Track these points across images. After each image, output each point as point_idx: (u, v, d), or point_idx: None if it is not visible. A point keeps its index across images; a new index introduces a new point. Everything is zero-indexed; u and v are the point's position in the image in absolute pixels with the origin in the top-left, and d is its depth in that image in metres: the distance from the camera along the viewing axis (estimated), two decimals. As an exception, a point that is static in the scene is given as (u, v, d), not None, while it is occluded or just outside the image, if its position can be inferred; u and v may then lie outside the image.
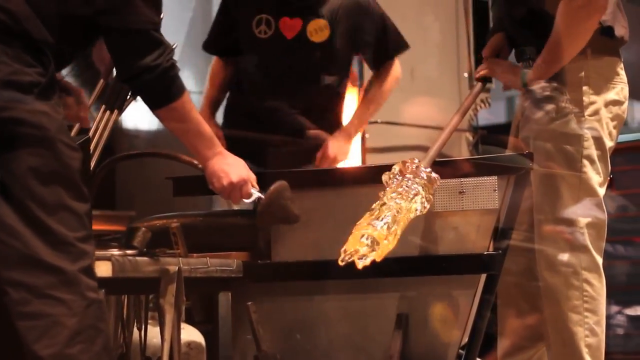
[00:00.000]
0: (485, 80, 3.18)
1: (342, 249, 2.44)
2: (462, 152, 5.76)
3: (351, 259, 2.43)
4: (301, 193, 2.85)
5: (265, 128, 3.60)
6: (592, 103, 2.97)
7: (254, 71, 3.66)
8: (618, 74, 3.03)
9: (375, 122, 4.88)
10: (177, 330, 2.51)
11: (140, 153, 3.42)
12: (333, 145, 3.59)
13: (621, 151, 3.21)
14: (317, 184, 2.89)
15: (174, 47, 3.24)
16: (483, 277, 2.76)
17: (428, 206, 2.61)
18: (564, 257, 2.92)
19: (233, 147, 3.06)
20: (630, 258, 4.77)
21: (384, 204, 2.53)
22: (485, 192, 2.73)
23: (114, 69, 2.44)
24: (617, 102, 3.01)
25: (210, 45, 3.81)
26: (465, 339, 2.76)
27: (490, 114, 6.40)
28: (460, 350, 2.75)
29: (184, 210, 3.06)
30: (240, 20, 3.64)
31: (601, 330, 2.94)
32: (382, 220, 2.47)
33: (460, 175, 2.75)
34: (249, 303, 2.79)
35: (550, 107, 2.96)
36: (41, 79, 2.12)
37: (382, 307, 2.79)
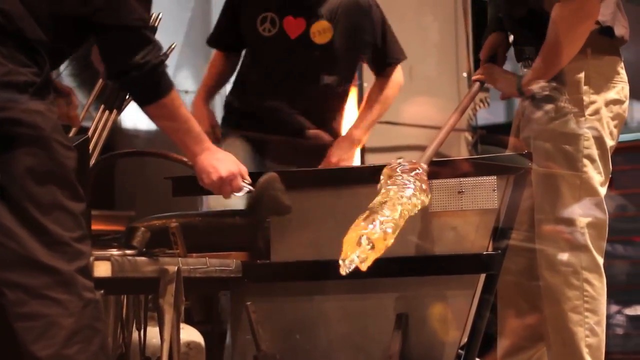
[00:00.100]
0: (482, 81, 3.18)
1: (340, 259, 2.43)
2: (461, 151, 5.76)
3: (352, 265, 2.42)
4: (301, 193, 2.86)
5: (264, 126, 3.60)
6: (592, 102, 2.97)
7: (256, 69, 3.67)
8: (618, 73, 3.03)
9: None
10: (176, 331, 2.51)
11: (128, 152, 3.40)
12: (337, 150, 3.59)
13: (620, 151, 3.20)
14: (316, 184, 2.89)
15: (172, 46, 3.24)
16: (482, 277, 2.76)
17: (418, 203, 2.60)
18: (564, 257, 2.92)
19: (232, 144, 3.07)
20: (629, 258, 4.78)
21: (380, 204, 2.53)
22: (485, 192, 2.73)
23: (114, 73, 2.43)
24: (617, 101, 3.01)
25: (215, 41, 3.82)
26: (465, 339, 2.76)
27: (490, 114, 6.40)
28: (460, 350, 2.74)
29: (183, 210, 3.06)
30: (245, 17, 3.65)
31: (601, 330, 2.94)
32: (377, 221, 2.47)
33: (460, 175, 2.74)
34: (248, 303, 2.79)
35: (550, 107, 2.96)
36: (36, 79, 2.12)
37: (381, 307, 2.79)
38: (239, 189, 2.66)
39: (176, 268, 2.49)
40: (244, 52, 3.79)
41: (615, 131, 3.02)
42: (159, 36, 3.09)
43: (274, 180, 2.74)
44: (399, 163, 2.65)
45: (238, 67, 3.80)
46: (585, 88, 2.97)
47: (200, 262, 2.65)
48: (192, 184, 2.78)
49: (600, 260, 2.96)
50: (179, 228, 2.66)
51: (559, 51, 2.90)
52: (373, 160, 5.05)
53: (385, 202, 2.52)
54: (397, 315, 2.75)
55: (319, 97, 3.63)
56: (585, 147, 2.95)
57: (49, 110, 2.13)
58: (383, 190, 2.59)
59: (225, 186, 2.63)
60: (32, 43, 2.14)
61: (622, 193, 4.60)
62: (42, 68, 2.15)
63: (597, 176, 2.95)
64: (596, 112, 2.97)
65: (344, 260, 2.42)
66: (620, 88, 3.02)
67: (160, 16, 3.07)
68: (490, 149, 5.02)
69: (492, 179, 2.73)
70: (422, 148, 2.81)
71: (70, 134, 2.90)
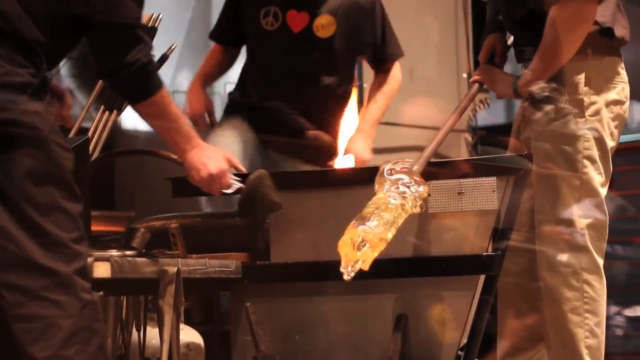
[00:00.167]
0: (481, 83, 3.18)
1: (342, 268, 2.44)
2: (461, 152, 5.76)
3: (354, 268, 2.43)
4: (300, 193, 2.85)
5: (267, 120, 3.59)
6: (592, 103, 2.97)
7: (258, 63, 3.66)
8: (619, 74, 3.03)
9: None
10: (176, 331, 2.51)
11: (119, 152, 3.39)
12: (356, 145, 3.58)
13: (620, 152, 3.20)
14: (316, 185, 2.88)
15: (173, 47, 3.24)
16: (482, 278, 2.76)
17: (411, 205, 2.59)
18: (564, 258, 2.92)
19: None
20: (629, 259, 4.77)
21: (368, 209, 2.53)
22: (485, 193, 2.73)
23: (106, 71, 2.42)
24: (618, 102, 3.01)
25: (216, 35, 3.82)
26: (464, 340, 2.76)
27: (490, 115, 6.40)
28: (459, 351, 2.74)
29: (183, 211, 3.06)
30: (247, 11, 3.65)
31: (601, 332, 2.94)
32: (372, 222, 2.47)
33: (459, 176, 2.74)
34: (248, 304, 2.79)
35: (550, 107, 2.96)
36: (33, 80, 2.12)
37: (381, 308, 2.79)
38: (228, 186, 2.66)
39: (176, 269, 2.49)
40: (245, 50, 3.78)
41: (615, 132, 3.02)
42: (159, 36, 3.09)
43: (264, 178, 2.75)
44: (391, 165, 2.65)
45: (243, 65, 3.79)
46: (585, 89, 2.97)
47: (200, 263, 2.65)
48: (191, 185, 2.78)
49: (601, 261, 2.96)
50: (179, 229, 2.66)
51: (555, 53, 2.91)
52: (373, 161, 5.04)
53: (373, 207, 2.52)
54: (397, 316, 2.75)
55: (322, 92, 3.62)
56: (586, 148, 2.95)
57: (46, 111, 2.13)
58: (378, 195, 2.59)
59: (215, 183, 2.63)
60: (29, 44, 2.14)
61: (622, 194, 4.59)
62: (39, 69, 2.15)
63: (597, 177, 2.95)
64: (596, 112, 2.97)
65: (345, 268, 2.43)
66: (621, 89, 3.02)
67: (160, 17, 3.07)
68: (490, 149, 5.02)
69: (492, 180, 2.73)
70: (422, 149, 2.81)
71: (70, 135, 2.91)
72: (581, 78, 2.97)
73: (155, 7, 3.30)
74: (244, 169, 2.81)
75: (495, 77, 3.12)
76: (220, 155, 2.65)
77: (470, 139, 5.89)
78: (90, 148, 3.01)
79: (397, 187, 2.58)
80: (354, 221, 2.49)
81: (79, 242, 2.12)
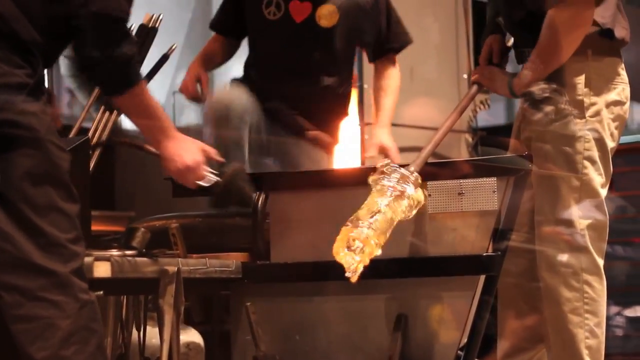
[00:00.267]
0: (479, 83, 3.18)
1: (348, 273, 2.44)
2: (461, 153, 5.76)
3: (358, 267, 2.43)
4: (301, 194, 2.86)
5: (270, 111, 3.57)
6: (593, 104, 2.97)
7: (261, 53, 3.64)
8: (619, 75, 3.03)
9: (375, 123, 4.88)
10: (176, 331, 2.51)
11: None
12: (384, 138, 3.56)
13: (620, 153, 3.20)
14: (316, 185, 2.89)
15: (173, 47, 3.24)
16: (482, 278, 2.76)
17: (406, 206, 2.59)
18: (564, 258, 2.92)
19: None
20: (629, 259, 4.77)
21: (362, 211, 2.53)
22: (485, 194, 2.73)
23: (88, 62, 2.40)
24: (618, 103, 3.01)
25: (217, 25, 3.80)
26: (464, 340, 2.76)
27: (490, 116, 6.40)
28: (459, 352, 2.75)
29: (183, 211, 3.06)
30: (250, 1, 3.63)
31: (601, 332, 2.94)
32: (363, 225, 2.47)
33: (460, 177, 2.75)
34: (248, 304, 2.79)
35: (550, 108, 2.96)
36: (29, 80, 2.12)
37: (381, 308, 2.79)
38: (203, 178, 2.65)
39: (176, 269, 2.49)
40: (247, 42, 3.76)
41: (616, 132, 3.02)
42: (159, 37, 3.10)
43: (240, 172, 2.74)
44: (386, 166, 2.65)
45: (245, 59, 3.77)
46: (585, 90, 2.97)
47: (200, 263, 2.65)
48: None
49: (601, 262, 2.96)
50: (179, 229, 2.66)
51: (551, 54, 2.91)
52: (373, 161, 5.04)
53: (366, 210, 2.52)
54: (397, 316, 2.75)
55: (323, 84, 3.60)
56: (586, 148, 2.95)
57: (42, 112, 2.13)
58: (371, 197, 2.59)
59: (190, 174, 2.62)
60: (26, 44, 2.14)
61: (622, 195, 4.59)
62: (35, 69, 2.15)
63: (597, 178, 2.95)
64: (597, 113, 2.97)
65: (349, 270, 2.43)
66: (621, 89, 3.03)
67: (160, 17, 3.07)
68: (491, 150, 5.02)
69: (492, 181, 2.73)
70: (422, 149, 2.81)
71: (71, 135, 2.91)
72: (581, 79, 2.97)
73: (156, 8, 3.31)
74: (221, 159, 2.78)
75: (492, 76, 3.13)
76: (196, 147, 2.63)
77: (470, 139, 5.88)
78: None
79: (391, 189, 2.58)
80: (346, 224, 2.49)
81: (76, 243, 2.12)
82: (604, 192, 2.98)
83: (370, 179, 2.63)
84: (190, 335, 3.33)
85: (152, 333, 2.80)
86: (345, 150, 4.79)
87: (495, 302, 2.95)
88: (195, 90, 3.59)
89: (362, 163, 5.26)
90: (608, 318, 3.14)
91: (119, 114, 2.96)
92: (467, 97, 3.12)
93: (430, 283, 2.76)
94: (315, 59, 3.57)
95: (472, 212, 2.73)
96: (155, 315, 2.55)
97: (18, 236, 2.04)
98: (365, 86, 5.14)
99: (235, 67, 3.92)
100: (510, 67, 3.25)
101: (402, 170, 2.62)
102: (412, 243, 2.75)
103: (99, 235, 2.95)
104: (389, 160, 2.66)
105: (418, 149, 2.85)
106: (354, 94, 4.56)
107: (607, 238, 2.99)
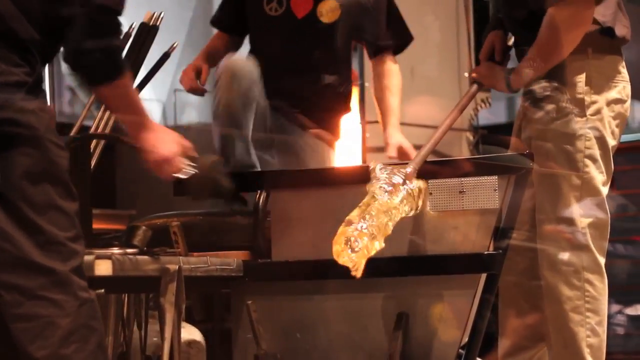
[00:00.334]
0: (479, 82, 3.18)
1: (352, 273, 2.45)
2: (462, 151, 5.76)
3: (359, 262, 2.43)
4: (301, 192, 2.86)
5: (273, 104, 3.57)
6: (593, 102, 2.97)
7: (261, 50, 3.64)
8: (620, 72, 3.03)
9: (376, 122, 4.88)
10: (177, 329, 2.51)
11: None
12: (397, 137, 3.55)
13: (621, 151, 3.20)
14: (317, 183, 2.89)
15: (174, 45, 3.24)
16: (483, 276, 2.76)
17: (402, 206, 2.59)
18: (566, 257, 2.92)
19: None
20: (630, 257, 4.77)
21: (368, 204, 2.53)
22: (486, 192, 2.73)
23: (76, 51, 2.39)
24: (619, 101, 3.01)
25: (218, 21, 3.80)
26: (465, 339, 2.76)
27: (491, 114, 6.40)
28: (460, 350, 2.75)
29: (184, 209, 3.06)
30: None
31: (603, 331, 2.94)
32: (360, 223, 2.48)
33: (461, 175, 2.75)
34: (249, 302, 2.79)
35: (551, 107, 2.96)
36: (28, 79, 2.12)
37: (382, 306, 2.79)
38: (179, 170, 2.64)
39: (177, 267, 2.49)
40: (249, 39, 3.75)
41: (617, 130, 3.02)
42: (160, 35, 3.10)
43: (216, 164, 2.74)
44: (383, 165, 2.65)
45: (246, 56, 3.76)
46: (586, 88, 2.97)
47: (201, 261, 2.66)
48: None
49: (602, 260, 2.96)
50: (180, 227, 2.66)
51: (550, 51, 2.92)
52: (374, 159, 5.04)
53: (358, 208, 2.53)
54: (398, 315, 2.75)
55: (324, 81, 3.60)
56: (587, 147, 2.95)
57: (41, 110, 2.12)
58: (368, 195, 2.59)
59: (166, 166, 2.60)
60: (24, 43, 2.14)
61: (623, 193, 4.59)
62: (33, 67, 2.15)
63: (599, 176, 2.95)
64: (597, 112, 2.97)
65: (354, 270, 2.44)
66: (622, 87, 3.03)
67: (162, 15, 3.07)
68: (492, 149, 5.02)
69: (493, 179, 2.73)
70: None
71: (72, 133, 2.91)
72: (582, 77, 2.97)
73: (157, 6, 3.31)
74: (195, 153, 2.77)
75: (489, 73, 3.13)
76: (172, 138, 2.62)
77: (471, 138, 5.89)
78: (92, 146, 3.02)
79: (389, 187, 2.58)
80: (343, 224, 2.49)
81: (76, 241, 2.12)
82: (605, 190, 2.98)
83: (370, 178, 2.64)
84: (192, 334, 3.32)
85: (153, 331, 2.80)
86: (347, 148, 4.80)
87: (496, 301, 2.95)
88: (194, 80, 3.57)
89: (363, 161, 5.27)
90: (609, 316, 3.14)
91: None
92: (466, 95, 3.12)
93: (431, 281, 2.76)
94: (317, 55, 3.57)
95: (473, 211, 2.73)
96: (156, 314, 2.55)
97: (17, 235, 2.04)
98: (367, 84, 5.14)
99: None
100: (511, 65, 3.25)
101: (396, 169, 2.63)
102: (413, 241, 2.75)
103: (100, 234, 2.95)
104: (381, 165, 2.66)
105: (419, 147, 2.85)
106: (355, 92, 4.56)
107: (608, 236, 2.99)
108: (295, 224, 2.84)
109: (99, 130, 2.95)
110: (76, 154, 2.56)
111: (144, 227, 2.62)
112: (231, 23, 3.74)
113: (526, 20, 3.04)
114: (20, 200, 2.05)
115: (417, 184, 2.62)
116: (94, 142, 3.05)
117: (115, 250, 2.46)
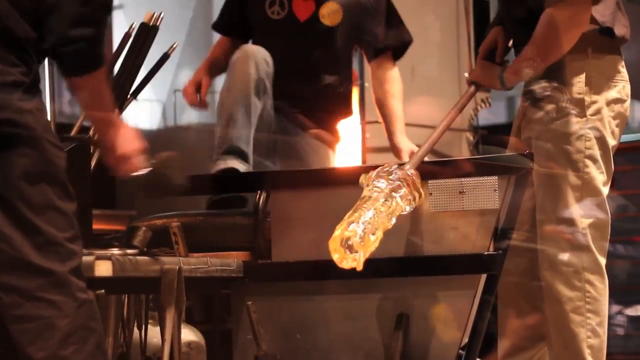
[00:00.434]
0: (475, 83, 3.18)
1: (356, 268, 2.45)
2: (462, 152, 5.76)
3: (359, 259, 2.44)
4: (301, 193, 2.86)
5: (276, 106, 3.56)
6: (593, 102, 2.97)
7: None
8: (619, 72, 3.03)
9: (376, 122, 4.88)
10: (177, 330, 2.51)
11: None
12: (404, 143, 3.55)
13: (622, 151, 3.20)
14: (317, 184, 2.89)
15: (175, 45, 3.23)
16: (483, 277, 2.76)
17: (398, 206, 2.59)
18: (566, 257, 2.92)
19: None
20: (630, 258, 4.77)
21: (364, 203, 2.53)
22: (486, 192, 2.73)
23: (57, 40, 2.38)
24: (619, 100, 3.01)
25: (220, 26, 3.79)
26: (466, 339, 2.76)
27: (491, 114, 6.40)
28: (460, 351, 2.75)
29: (184, 210, 3.06)
30: (253, 1, 3.62)
31: (603, 332, 2.94)
32: (356, 223, 2.48)
33: (461, 175, 2.74)
34: (249, 303, 2.79)
35: (550, 107, 2.96)
36: (25, 79, 2.11)
37: (382, 307, 2.79)
38: (139, 168, 2.61)
39: (177, 268, 2.49)
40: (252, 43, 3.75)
41: (617, 130, 3.02)
42: (160, 35, 3.09)
43: (170, 160, 2.72)
44: (381, 167, 2.65)
45: None
46: (586, 88, 2.97)
47: (201, 262, 2.65)
48: (193, 185, 2.78)
49: (603, 260, 2.96)
50: (180, 227, 2.66)
51: (545, 50, 2.92)
52: (374, 160, 5.05)
53: (357, 209, 2.53)
54: (398, 316, 2.75)
55: (326, 84, 3.60)
56: (587, 147, 2.95)
57: (38, 110, 2.12)
58: (363, 196, 2.59)
59: (125, 164, 2.57)
60: (21, 42, 2.13)
61: (623, 193, 4.59)
62: (30, 67, 2.15)
63: (599, 176, 2.95)
64: (597, 112, 2.97)
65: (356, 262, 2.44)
66: (622, 87, 3.03)
67: (162, 15, 3.06)
68: (492, 149, 5.02)
69: (493, 179, 2.73)
70: (423, 148, 2.81)
71: (72, 134, 2.90)
72: (582, 77, 2.97)
73: (157, 6, 3.30)
74: (146, 155, 2.75)
75: (483, 71, 3.13)
76: (132, 135, 2.60)
77: (471, 138, 5.88)
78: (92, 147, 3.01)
79: (385, 188, 2.58)
80: (340, 224, 2.49)
81: (74, 241, 2.12)
82: (605, 190, 2.97)
83: (365, 179, 2.63)
84: (192, 335, 3.33)
85: (153, 332, 2.80)
86: (347, 149, 4.80)
87: (496, 301, 2.95)
88: (194, 96, 3.58)
89: (363, 161, 5.26)
90: (609, 317, 3.14)
91: (120, 113, 2.95)
92: (465, 96, 3.12)
93: (431, 282, 2.76)
94: (318, 57, 3.57)
95: (473, 211, 2.73)
96: (156, 315, 2.55)
97: (15, 235, 2.04)
98: (367, 85, 5.13)
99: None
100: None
101: (394, 169, 2.62)
102: (413, 242, 2.75)
103: (100, 234, 2.95)
104: (376, 172, 2.66)
105: (418, 147, 2.85)
106: (355, 93, 4.56)
107: (609, 237, 2.99)
108: (296, 224, 2.84)
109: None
110: (76, 155, 2.55)
111: (144, 228, 2.62)
112: (233, 27, 3.74)
113: (525, 20, 3.04)
114: (18, 201, 2.05)
115: (406, 192, 2.61)
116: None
117: (115, 251, 2.46)
